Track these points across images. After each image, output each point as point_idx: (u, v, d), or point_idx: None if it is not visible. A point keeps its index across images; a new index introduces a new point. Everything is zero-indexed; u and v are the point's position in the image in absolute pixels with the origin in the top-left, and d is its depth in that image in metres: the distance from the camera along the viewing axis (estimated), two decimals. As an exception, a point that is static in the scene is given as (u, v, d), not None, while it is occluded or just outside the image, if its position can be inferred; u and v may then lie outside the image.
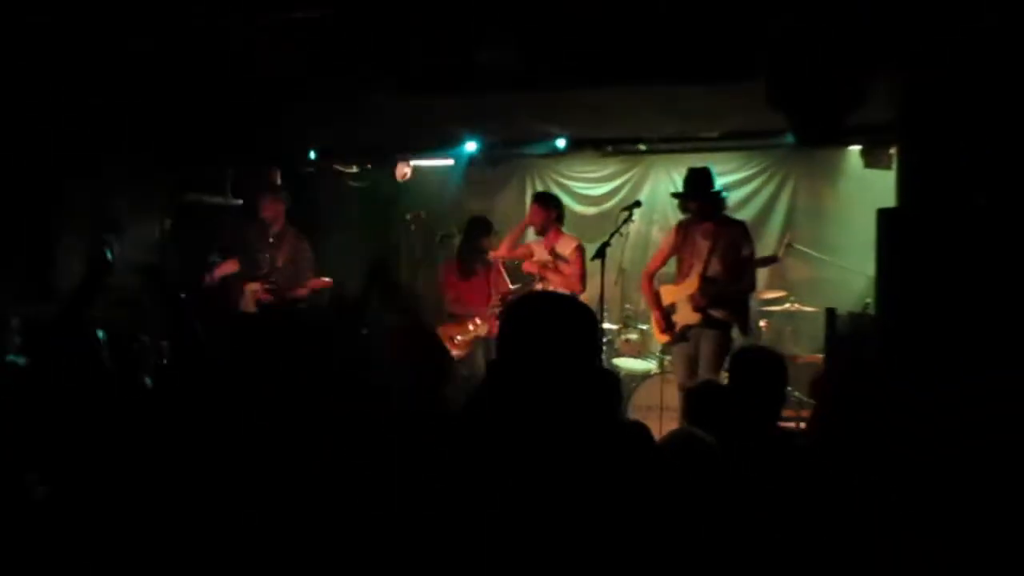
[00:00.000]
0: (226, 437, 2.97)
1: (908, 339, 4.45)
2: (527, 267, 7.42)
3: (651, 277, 6.81)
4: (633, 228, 8.21)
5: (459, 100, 7.18)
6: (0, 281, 6.68)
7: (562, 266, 7.15)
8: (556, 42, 5.94)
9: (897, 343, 4.52)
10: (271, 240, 7.64)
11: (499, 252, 7.62)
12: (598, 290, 6.87)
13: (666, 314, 6.62)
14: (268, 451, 2.84)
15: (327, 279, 7.62)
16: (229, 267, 7.53)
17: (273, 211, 7.65)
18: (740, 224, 6.68)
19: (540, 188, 9.40)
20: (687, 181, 6.59)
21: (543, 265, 7.21)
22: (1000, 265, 4.39)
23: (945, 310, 4.36)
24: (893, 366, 4.14)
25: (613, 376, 3.58)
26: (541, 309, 2.59)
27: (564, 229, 7.44)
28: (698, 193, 6.53)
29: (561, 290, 6.71)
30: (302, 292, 7.57)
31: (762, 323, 8.00)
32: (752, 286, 6.66)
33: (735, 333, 6.58)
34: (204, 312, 4.57)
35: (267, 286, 7.46)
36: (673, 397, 6.77)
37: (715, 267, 6.41)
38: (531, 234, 7.71)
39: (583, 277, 7.08)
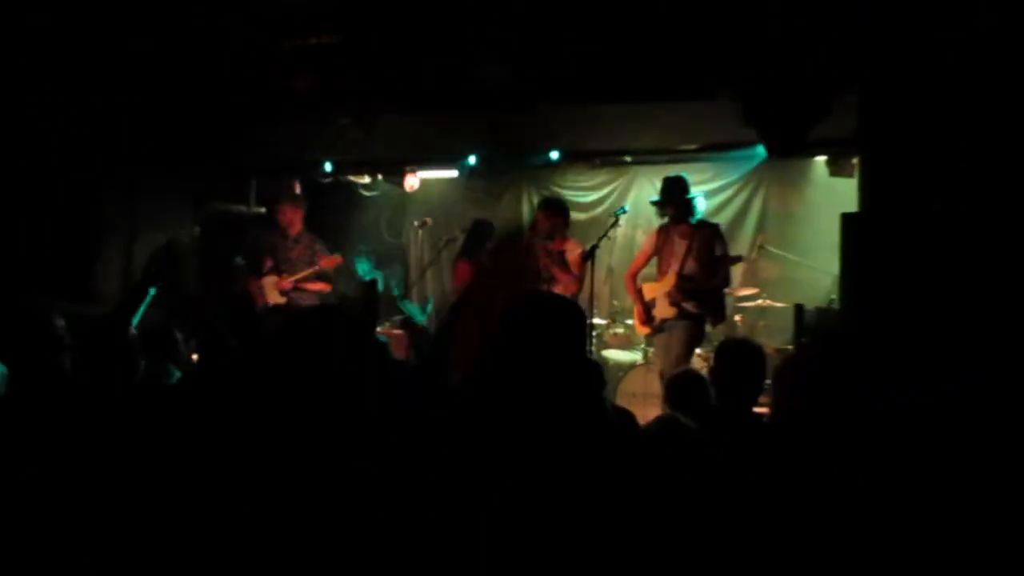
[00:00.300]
0: (244, 431, 2.84)
1: (869, 331, 4.48)
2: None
3: (634, 277, 6.88)
4: (620, 232, 8.31)
5: (460, 117, 7.20)
6: (46, 282, 6.67)
7: (566, 271, 7.04)
8: (550, 64, 5.96)
9: (859, 335, 4.54)
10: (289, 243, 7.71)
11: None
12: (588, 288, 6.94)
13: (647, 308, 6.68)
14: (275, 448, 2.71)
15: (338, 256, 7.67)
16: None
17: (290, 217, 7.71)
18: (714, 226, 6.73)
19: (535, 197, 9.41)
20: (663, 189, 6.67)
21: (552, 266, 7.06)
22: (952, 264, 4.41)
23: (902, 304, 4.39)
24: (856, 358, 4.14)
25: (596, 365, 3.61)
26: (534, 307, 2.63)
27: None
28: (673, 199, 6.59)
29: (561, 291, 6.65)
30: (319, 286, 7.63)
31: (737, 317, 8.02)
32: (726, 282, 6.69)
33: (708, 326, 6.67)
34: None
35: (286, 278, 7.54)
36: (656, 385, 6.78)
37: (690, 266, 6.48)
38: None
39: (582, 281, 7.07)
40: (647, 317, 6.69)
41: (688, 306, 6.47)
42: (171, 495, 2.67)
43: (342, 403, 2.78)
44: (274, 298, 7.54)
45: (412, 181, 9.05)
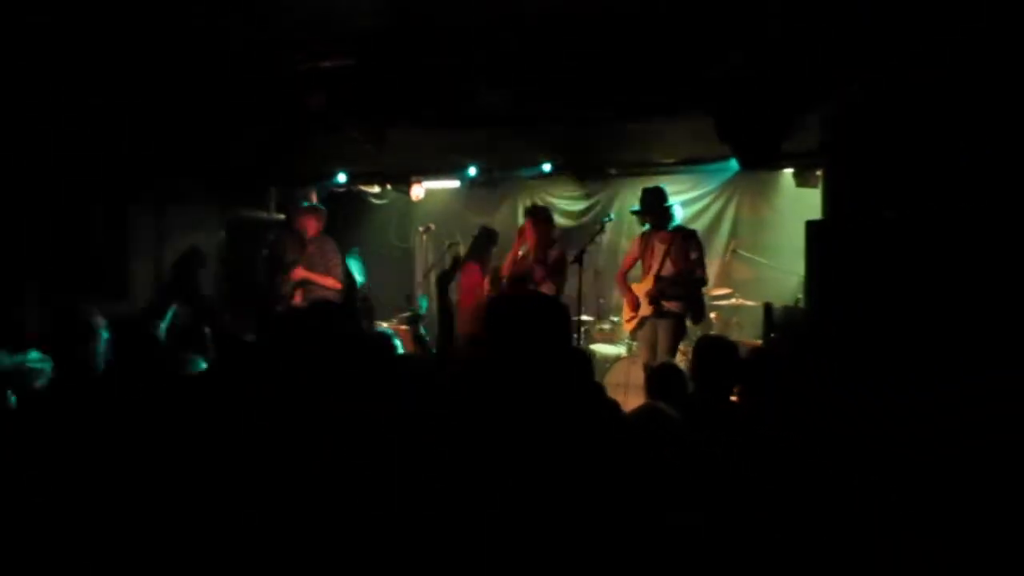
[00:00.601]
0: (246, 427, 2.73)
1: (831, 328, 4.53)
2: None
3: (623, 276, 6.96)
4: (605, 238, 8.40)
5: (462, 133, 7.25)
6: (85, 282, 6.71)
7: (553, 275, 7.04)
8: (543, 88, 6.03)
9: (822, 333, 4.59)
10: (306, 243, 7.72)
11: (504, 271, 7.29)
12: (577, 288, 6.98)
13: (635, 306, 6.75)
14: (275, 446, 2.60)
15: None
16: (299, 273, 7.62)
17: (302, 223, 7.70)
18: (691, 232, 6.80)
19: (529, 205, 9.45)
20: (643, 200, 6.72)
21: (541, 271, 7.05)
22: (905, 267, 4.47)
23: (860, 303, 4.44)
24: (819, 356, 4.18)
25: (583, 353, 3.62)
26: (522, 305, 2.66)
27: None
28: (652, 209, 6.65)
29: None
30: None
31: (712, 315, 8.07)
32: (703, 281, 6.73)
33: (689, 322, 6.73)
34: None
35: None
36: (639, 376, 6.84)
37: (668, 268, 6.55)
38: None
39: (564, 284, 7.08)
40: (635, 313, 6.78)
41: (669, 305, 6.54)
42: (172, 491, 2.55)
43: (341, 403, 2.71)
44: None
45: (418, 191, 9.11)
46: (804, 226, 4.86)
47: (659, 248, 6.62)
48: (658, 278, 6.56)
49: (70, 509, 2.53)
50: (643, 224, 6.87)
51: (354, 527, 2.31)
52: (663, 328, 6.53)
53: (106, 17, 5.31)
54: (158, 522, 2.44)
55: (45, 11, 5.06)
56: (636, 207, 6.87)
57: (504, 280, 7.17)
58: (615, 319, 8.26)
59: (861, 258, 4.78)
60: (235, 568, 2.35)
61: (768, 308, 6.09)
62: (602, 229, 7.52)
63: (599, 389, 2.87)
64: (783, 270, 8.06)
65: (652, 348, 6.61)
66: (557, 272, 6.99)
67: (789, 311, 6.35)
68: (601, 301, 8.72)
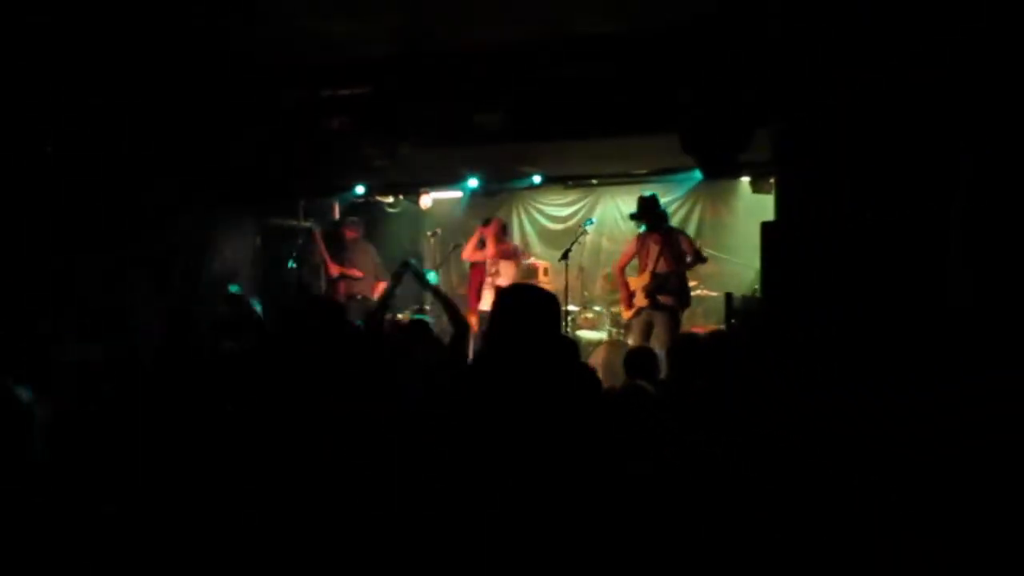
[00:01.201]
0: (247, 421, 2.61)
1: (784, 314, 4.47)
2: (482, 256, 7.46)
3: (622, 270, 6.86)
4: (588, 239, 8.30)
5: (463, 149, 7.21)
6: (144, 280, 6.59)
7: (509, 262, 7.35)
8: (533, 111, 6.00)
9: (776, 317, 4.53)
10: (347, 246, 7.88)
11: (464, 255, 7.65)
12: (564, 282, 7.10)
13: (630, 297, 6.67)
14: (277, 440, 2.47)
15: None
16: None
17: (344, 230, 7.97)
18: (682, 232, 6.82)
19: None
20: (640, 206, 6.65)
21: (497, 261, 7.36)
22: (851, 263, 4.42)
23: (809, 293, 4.38)
24: (774, 339, 4.12)
25: (571, 340, 3.58)
26: (521, 295, 2.67)
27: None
28: (647, 213, 6.59)
29: (507, 275, 7.16)
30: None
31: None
32: (697, 260, 6.62)
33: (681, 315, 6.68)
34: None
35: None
36: (618, 359, 6.76)
37: (662, 265, 6.48)
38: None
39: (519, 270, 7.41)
40: (629, 303, 6.71)
41: (663, 299, 6.48)
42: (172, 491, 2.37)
43: (342, 402, 2.62)
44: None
45: (426, 200, 9.06)
46: (760, 227, 4.80)
47: (653, 248, 6.55)
48: (653, 275, 6.48)
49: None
50: (639, 226, 6.79)
51: (354, 522, 2.22)
52: (659, 321, 6.46)
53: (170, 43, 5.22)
54: (156, 521, 2.29)
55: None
56: (620, 213, 6.83)
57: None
58: (597, 308, 8.20)
59: (809, 254, 4.73)
60: (237, 567, 2.22)
61: (729, 298, 6.03)
62: (584, 232, 7.52)
63: (585, 369, 2.84)
64: (742, 264, 8.02)
65: (643, 335, 6.54)
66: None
67: (747, 300, 6.28)
68: (585, 293, 8.66)
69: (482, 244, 7.42)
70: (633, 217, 6.84)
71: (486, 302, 7.19)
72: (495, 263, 7.37)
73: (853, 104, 4.69)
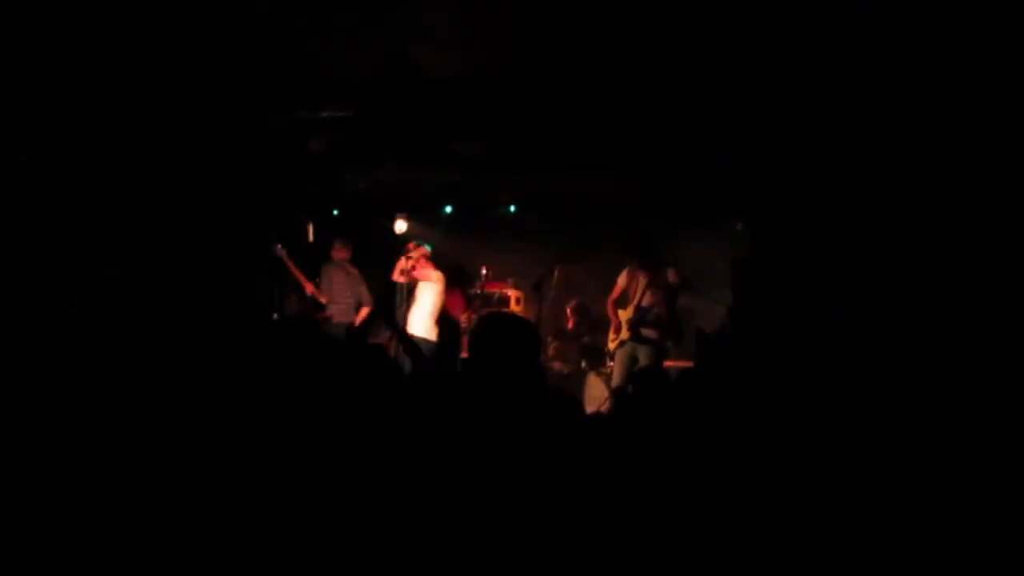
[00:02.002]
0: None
1: (757, 336, 4.56)
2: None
3: (613, 303, 6.84)
4: (561, 271, 8.33)
5: (439, 175, 7.25)
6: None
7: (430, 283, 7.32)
8: (507, 140, 6.07)
9: (748, 340, 4.62)
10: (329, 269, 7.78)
11: (394, 277, 7.53)
12: (536, 313, 7.15)
13: (617, 329, 6.71)
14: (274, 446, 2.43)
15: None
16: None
17: (334, 251, 7.82)
18: (669, 268, 6.67)
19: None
20: (631, 242, 6.68)
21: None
22: (816, 296, 4.53)
23: (776, 320, 4.49)
24: (745, 363, 4.17)
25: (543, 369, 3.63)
26: (502, 324, 2.72)
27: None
28: (639, 249, 6.60)
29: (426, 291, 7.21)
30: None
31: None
32: (683, 287, 6.63)
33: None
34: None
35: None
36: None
37: (647, 299, 6.50)
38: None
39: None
40: (616, 335, 6.72)
41: (646, 332, 6.51)
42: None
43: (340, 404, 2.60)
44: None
45: (400, 225, 9.07)
46: (731, 263, 4.90)
47: (641, 282, 6.54)
48: (638, 308, 6.51)
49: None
50: (629, 262, 6.78)
51: (353, 524, 2.19)
52: (643, 354, 6.49)
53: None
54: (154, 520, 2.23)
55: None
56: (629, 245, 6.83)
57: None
58: (568, 340, 8.28)
59: (780, 287, 4.86)
60: (235, 567, 2.18)
61: (700, 333, 6.08)
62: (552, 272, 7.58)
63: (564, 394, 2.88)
64: (710, 301, 8.05)
65: (626, 367, 6.54)
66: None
67: (718, 337, 6.34)
68: (556, 324, 8.68)
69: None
70: (625, 251, 6.91)
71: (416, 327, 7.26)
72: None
73: (806, 149, 4.88)
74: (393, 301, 7.55)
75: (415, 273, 7.31)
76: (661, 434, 2.65)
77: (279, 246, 7.67)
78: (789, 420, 2.54)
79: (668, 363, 7.48)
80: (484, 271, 8.84)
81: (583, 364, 7.83)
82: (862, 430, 2.49)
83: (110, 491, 2.31)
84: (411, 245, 7.42)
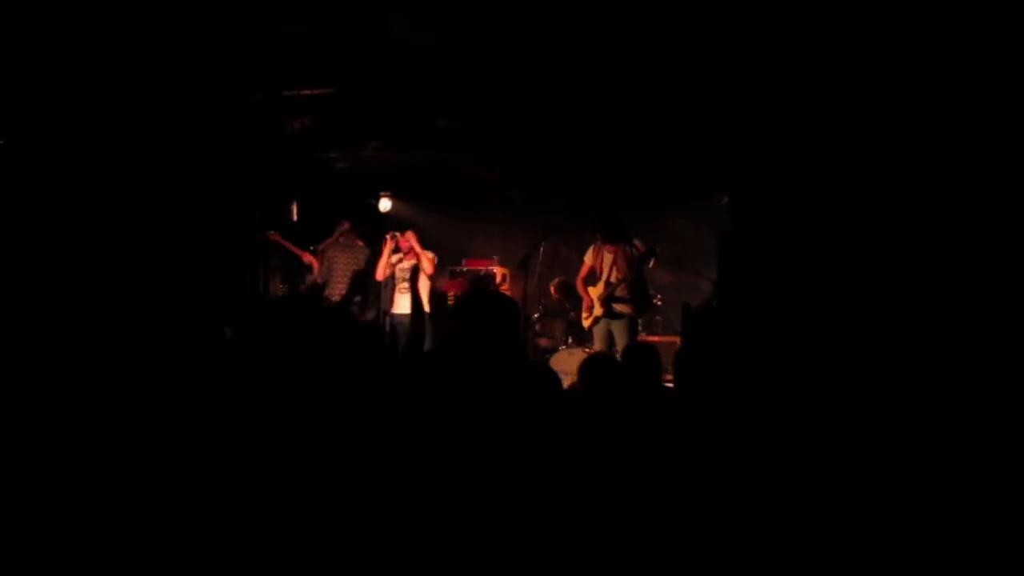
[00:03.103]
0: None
1: (739, 315, 4.60)
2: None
3: (583, 282, 6.87)
4: (548, 248, 8.34)
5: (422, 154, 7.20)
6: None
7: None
8: (492, 118, 6.04)
9: (732, 318, 4.65)
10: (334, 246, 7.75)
11: (379, 276, 7.47)
12: (522, 291, 7.19)
13: (590, 307, 6.74)
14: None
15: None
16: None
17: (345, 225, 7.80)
18: (634, 245, 6.68)
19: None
20: (598, 220, 6.70)
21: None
22: (798, 268, 4.59)
23: (761, 295, 4.54)
24: (731, 341, 4.22)
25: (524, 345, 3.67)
26: (482, 301, 2.77)
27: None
28: (603, 227, 6.64)
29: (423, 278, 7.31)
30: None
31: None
32: (648, 255, 6.62)
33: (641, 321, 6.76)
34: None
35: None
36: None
37: (615, 274, 6.52)
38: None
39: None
40: (589, 313, 6.76)
41: (618, 307, 6.52)
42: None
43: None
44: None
45: (385, 203, 9.04)
46: (718, 238, 4.93)
47: (607, 257, 6.59)
48: (607, 283, 6.54)
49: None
50: (594, 239, 6.81)
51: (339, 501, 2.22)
52: (617, 329, 6.52)
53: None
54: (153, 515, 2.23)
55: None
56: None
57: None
58: (554, 317, 8.29)
59: (762, 263, 4.91)
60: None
61: (686, 308, 6.11)
62: (540, 245, 7.59)
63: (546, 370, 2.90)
64: (695, 274, 8.08)
65: (605, 344, 6.59)
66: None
67: (704, 310, 6.37)
68: (543, 302, 8.69)
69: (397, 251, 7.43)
70: (592, 230, 6.91)
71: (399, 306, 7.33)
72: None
73: (792, 144, 4.93)
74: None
75: (413, 257, 7.32)
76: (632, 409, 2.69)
77: (270, 233, 7.66)
78: (776, 399, 2.58)
79: (655, 338, 7.54)
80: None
81: (569, 340, 7.85)
82: (847, 406, 2.53)
83: (109, 477, 2.31)
84: (393, 235, 7.39)
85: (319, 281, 7.59)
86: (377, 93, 5.76)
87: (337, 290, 7.54)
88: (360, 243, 7.77)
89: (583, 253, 6.90)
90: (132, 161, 5.81)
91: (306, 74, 5.76)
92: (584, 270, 6.94)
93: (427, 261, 7.28)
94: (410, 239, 7.35)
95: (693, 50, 4.63)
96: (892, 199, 4.08)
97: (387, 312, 7.31)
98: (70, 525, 2.20)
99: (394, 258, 7.35)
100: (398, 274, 7.39)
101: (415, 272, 7.33)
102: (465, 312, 2.72)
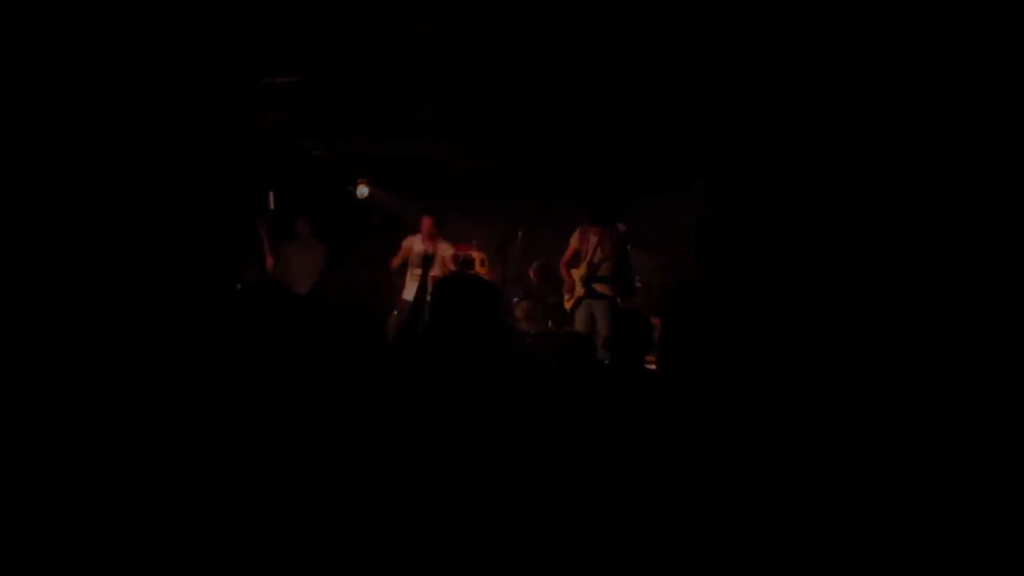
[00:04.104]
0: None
1: (711, 291, 4.67)
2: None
3: (565, 265, 6.86)
4: (525, 232, 8.40)
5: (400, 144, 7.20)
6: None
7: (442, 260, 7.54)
8: (468, 109, 6.03)
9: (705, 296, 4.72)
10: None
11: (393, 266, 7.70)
12: (501, 274, 7.17)
13: (572, 287, 6.74)
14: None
15: None
16: None
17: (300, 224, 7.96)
18: (618, 228, 6.72)
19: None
20: (588, 204, 6.71)
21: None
22: (776, 253, 4.66)
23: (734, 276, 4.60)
24: (704, 314, 4.28)
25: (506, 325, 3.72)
26: (463, 284, 2.80)
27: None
28: (591, 210, 6.66)
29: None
30: None
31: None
32: (630, 272, 6.74)
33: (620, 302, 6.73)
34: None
35: None
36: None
37: (598, 254, 6.51)
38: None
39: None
40: (571, 294, 6.76)
41: (598, 287, 6.52)
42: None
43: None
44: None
45: (362, 190, 9.04)
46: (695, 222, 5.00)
47: (592, 239, 6.57)
48: (590, 264, 6.53)
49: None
50: (581, 221, 6.81)
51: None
52: (598, 310, 6.51)
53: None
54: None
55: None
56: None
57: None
58: (533, 300, 8.34)
59: (738, 247, 4.97)
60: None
61: (665, 290, 6.20)
62: (518, 230, 7.63)
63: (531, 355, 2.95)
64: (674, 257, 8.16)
65: (587, 325, 6.57)
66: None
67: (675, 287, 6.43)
68: (523, 285, 8.75)
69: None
70: (582, 214, 6.93)
71: (410, 292, 7.36)
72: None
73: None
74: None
75: (429, 244, 7.42)
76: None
77: (260, 220, 7.63)
78: (762, 384, 2.62)
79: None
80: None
81: (549, 324, 7.91)
82: (833, 392, 2.56)
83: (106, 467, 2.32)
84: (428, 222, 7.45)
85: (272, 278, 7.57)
86: (354, 83, 5.74)
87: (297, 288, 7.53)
88: (317, 241, 7.81)
89: (561, 237, 6.92)
90: (117, 151, 5.75)
91: (283, 62, 5.73)
92: (568, 253, 6.93)
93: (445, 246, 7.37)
94: (426, 225, 7.41)
95: (677, 39, 4.65)
96: (880, 187, 4.13)
97: (402, 299, 7.31)
98: (69, 524, 2.20)
99: (413, 244, 7.41)
100: (412, 259, 7.43)
101: (428, 259, 7.33)
102: (441, 296, 2.76)
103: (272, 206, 8.47)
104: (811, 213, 4.47)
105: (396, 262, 7.65)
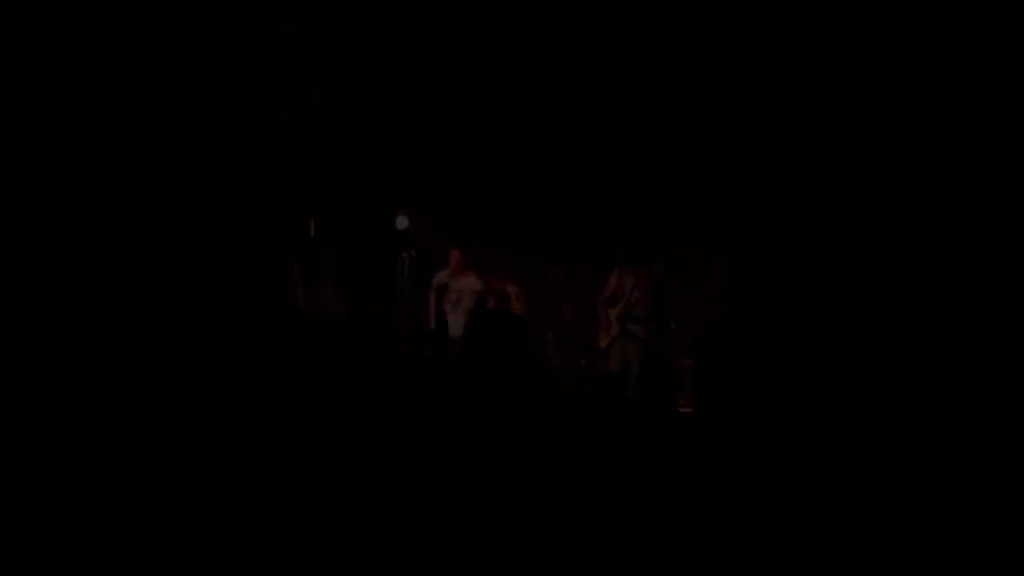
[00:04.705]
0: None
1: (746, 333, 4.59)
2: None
3: (604, 303, 6.81)
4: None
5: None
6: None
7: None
8: (480, 113, 6.05)
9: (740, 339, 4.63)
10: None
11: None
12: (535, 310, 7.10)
13: (608, 326, 6.70)
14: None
15: None
16: None
17: None
18: (656, 270, 6.76)
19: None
20: (625, 246, 6.80)
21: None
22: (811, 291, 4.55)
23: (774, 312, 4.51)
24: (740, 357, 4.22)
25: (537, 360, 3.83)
26: (496, 317, 2.95)
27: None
28: (628, 249, 6.73)
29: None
30: None
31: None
32: (663, 311, 6.71)
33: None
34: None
35: None
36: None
37: (635, 296, 6.52)
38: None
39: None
40: (607, 333, 6.71)
41: (633, 328, 6.51)
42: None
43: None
44: None
45: (402, 221, 9.08)
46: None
47: (629, 280, 6.59)
48: (626, 304, 6.53)
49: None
50: (619, 261, 6.83)
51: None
52: (632, 349, 6.50)
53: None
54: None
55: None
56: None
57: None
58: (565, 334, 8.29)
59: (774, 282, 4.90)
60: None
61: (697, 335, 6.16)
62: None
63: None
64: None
65: (620, 364, 6.53)
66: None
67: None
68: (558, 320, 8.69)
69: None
70: (617, 252, 6.92)
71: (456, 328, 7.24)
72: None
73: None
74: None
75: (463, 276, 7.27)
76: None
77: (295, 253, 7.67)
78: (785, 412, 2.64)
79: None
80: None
81: (583, 362, 7.79)
82: (857, 421, 2.58)
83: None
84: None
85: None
86: (367, 88, 5.79)
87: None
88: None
89: (593, 274, 6.94)
90: (128, 155, 5.80)
91: (293, 66, 5.77)
92: (608, 291, 6.93)
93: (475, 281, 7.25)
94: (455, 259, 7.31)
95: (694, 52, 4.63)
96: (898, 203, 4.04)
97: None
98: (69, 524, 2.19)
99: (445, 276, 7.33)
100: (450, 295, 7.24)
101: (463, 293, 7.14)
102: (472, 328, 2.96)
103: (312, 232, 8.53)
104: (846, 237, 4.37)
105: (432, 298, 7.49)
